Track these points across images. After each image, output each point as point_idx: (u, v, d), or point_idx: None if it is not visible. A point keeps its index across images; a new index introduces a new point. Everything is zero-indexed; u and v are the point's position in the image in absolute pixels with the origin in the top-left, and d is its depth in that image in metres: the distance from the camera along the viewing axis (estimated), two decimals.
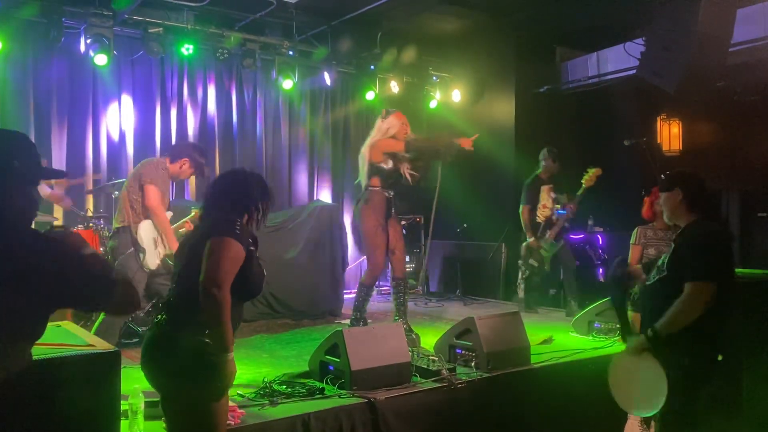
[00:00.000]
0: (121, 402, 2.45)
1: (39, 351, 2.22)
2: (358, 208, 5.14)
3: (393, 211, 5.16)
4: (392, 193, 5.11)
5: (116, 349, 2.27)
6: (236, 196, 2.55)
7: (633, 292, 4.50)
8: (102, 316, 4.34)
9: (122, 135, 7.00)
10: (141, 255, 4.36)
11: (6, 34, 5.81)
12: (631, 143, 6.15)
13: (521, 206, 6.77)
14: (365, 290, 5.16)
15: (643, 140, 5.95)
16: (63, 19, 6.08)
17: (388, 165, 5.02)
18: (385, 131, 5.12)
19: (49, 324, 2.86)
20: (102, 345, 2.29)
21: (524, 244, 6.81)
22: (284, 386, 3.76)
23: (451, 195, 8.32)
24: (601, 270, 7.74)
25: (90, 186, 6.67)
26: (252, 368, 4.30)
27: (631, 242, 4.53)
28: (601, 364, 4.68)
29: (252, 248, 2.45)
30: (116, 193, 6.00)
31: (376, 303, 7.71)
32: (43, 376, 2.15)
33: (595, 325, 5.35)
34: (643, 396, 2.88)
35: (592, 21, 7.58)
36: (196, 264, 2.33)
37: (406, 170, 5.07)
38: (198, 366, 2.26)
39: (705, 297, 2.73)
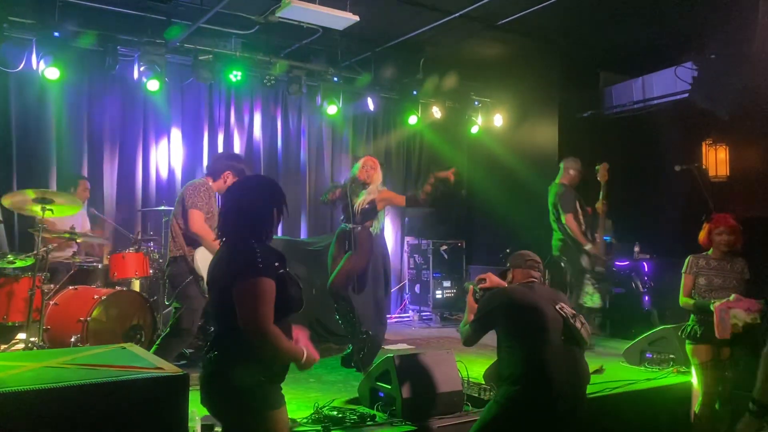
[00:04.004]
0: None
1: (107, 373, 2.26)
2: None
3: (350, 244, 5.24)
4: (349, 227, 5.24)
5: (184, 372, 2.28)
6: (251, 217, 2.37)
7: (687, 325, 4.38)
8: (159, 339, 4.39)
9: (171, 160, 7.16)
10: (201, 282, 4.31)
11: (64, 63, 6.00)
12: (682, 168, 6.03)
13: (564, 215, 6.25)
14: None
15: (694, 166, 5.82)
16: (118, 47, 6.28)
17: (329, 197, 5.43)
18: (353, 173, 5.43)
19: (115, 346, 2.93)
20: (170, 368, 2.31)
21: (584, 254, 6.22)
22: (335, 412, 3.75)
23: (495, 220, 8.30)
24: (646, 298, 7.56)
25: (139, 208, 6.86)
26: (300, 392, 4.30)
27: (682, 271, 4.39)
28: (655, 395, 4.58)
29: (282, 271, 2.32)
30: (166, 218, 6.15)
31: (419, 329, 7.67)
32: (112, 399, 2.18)
33: (647, 355, 5.22)
34: None
35: (637, 46, 7.52)
36: (230, 302, 2.24)
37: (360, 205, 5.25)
38: (251, 399, 2.25)
39: None
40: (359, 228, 5.23)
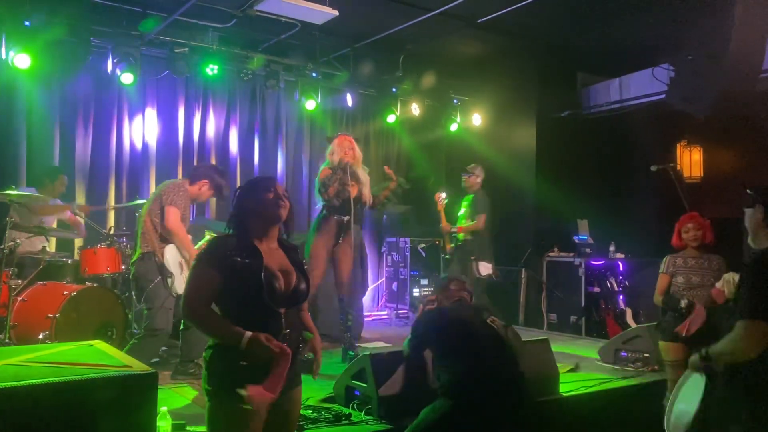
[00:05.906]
0: None
1: (71, 372, 2.18)
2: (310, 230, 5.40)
3: (345, 235, 5.15)
4: (343, 218, 5.12)
5: (153, 370, 2.21)
6: (230, 214, 2.49)
7: (661, 321, 4.41)
8: (132, 340, 4.32)
9: (145, 153, 7.04)
10: (169, 280, 4.29)
11: (35, 52, 5.84)
12: (659, 169, 6.08)
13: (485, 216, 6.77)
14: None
15: (670, 166, 5.87)
16: (91, 38, 6.13)
17: (329, 193, 5.06)
18: (330, 158, 5.22)
19: (82, 343, 2.84)
20: (138, 366, 2.23)
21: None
22: (310, 411, 3.70)
23: None
24: (621, 297, 7.62)
25: (111, 203, 6.72)
26: None
27: (660, 271, 4.42)
28: (629, 394, 4.60)
29: (237, 259, 2.27)
30: (138, 212, 6.04)
31: (395, 327, 7.64)
32: (74, 398, 2.10)
33: (622, 353, 5.24)
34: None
35: (614, 46, 7.57)
36: None
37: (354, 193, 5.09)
38: (217, 380, 2.23)
39: (756, 338, 2.34)
40: (357, 222, 5.23)
